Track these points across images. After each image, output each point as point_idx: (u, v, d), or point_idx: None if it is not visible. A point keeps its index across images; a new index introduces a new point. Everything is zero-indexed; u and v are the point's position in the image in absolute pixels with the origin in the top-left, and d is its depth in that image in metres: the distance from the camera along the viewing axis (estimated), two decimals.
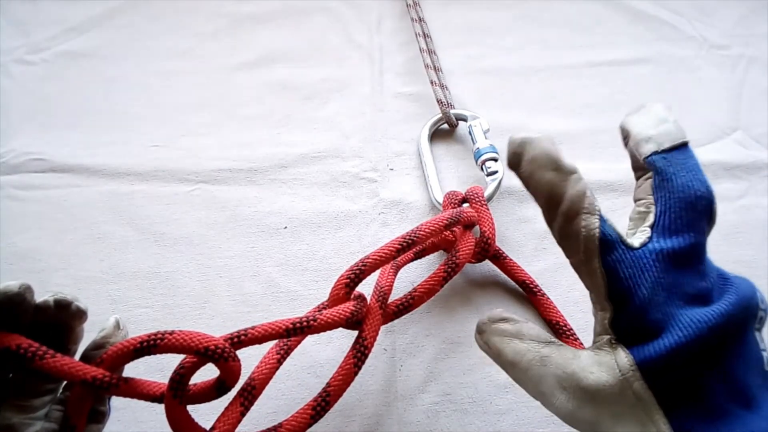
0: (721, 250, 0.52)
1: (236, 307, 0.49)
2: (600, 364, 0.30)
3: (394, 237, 0.41)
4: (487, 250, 0.47)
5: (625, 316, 0.30)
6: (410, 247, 0.41)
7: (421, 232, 0.41)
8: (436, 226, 0.42)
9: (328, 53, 0.65)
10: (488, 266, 0.51)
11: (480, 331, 0.34)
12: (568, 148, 0.58)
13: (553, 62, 0.65)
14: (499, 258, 0.49)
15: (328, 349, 0.47)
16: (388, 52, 0.65)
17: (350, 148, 0.58)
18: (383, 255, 0.40)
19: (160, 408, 0.44)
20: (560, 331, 0.46)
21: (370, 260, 0.40)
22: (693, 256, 0.33)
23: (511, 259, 0.49)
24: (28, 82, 0.61)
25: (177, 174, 0.55)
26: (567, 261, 0.51)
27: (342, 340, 0.47)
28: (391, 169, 0.57)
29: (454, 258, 0.44)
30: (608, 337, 0.31)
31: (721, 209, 0.54)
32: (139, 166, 0.56)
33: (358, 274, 0.39)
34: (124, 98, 0.61)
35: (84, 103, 0.60)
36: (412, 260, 0.46)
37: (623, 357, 0.29)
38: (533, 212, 0.54)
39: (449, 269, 0.43)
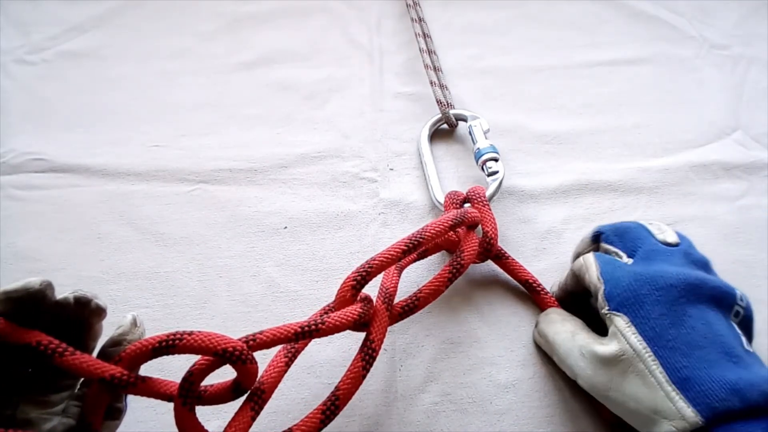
0: (721, 250, 0.52)
1: (236, 307, 0.49)
2: (609, 336, 0.38)
3: (394, 237, 0.41)
4: (489, 249, 0.47)
5: (612, 287, 0.39)
6: (416, 248, 0.41)
7: (427, 233, 0.41)
8: (441, 227, 0.42)
9: (328, 53, 0.65)
10: (488, 266, 0.51)
11: (536, 324, 0.46)
12: (568, 148, 0.58)
13: (553, 62, 0.65)
14: (501, 258, 0.49)
15: (328, 350, 0.47)
16: (388, 52, 0.65)
17: (350, 148, 0.58)
18: (389, 256, 0.40)
19: (160, 408, 0.44)
20: None
21: (376, 262, 0.39)
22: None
23: (513, 259, 0.49)
24: (28, 82, 0.61)
25: (177, 174, 0.55)
26: (566, 261, 0.51)
27: (342, 340, 0.47)
28: (391, 169, 0.57)
29: (459, 259, 0.43)
30: (605, 309, 0.39)
31: (721, 209, 0.55)
32: (139, 166, 0.56)
33: (364, 276, 0.39)
34: (124, 98, 0.61)
35: (84, 103, 0.60)
36: (415, 260, 0.46)
37: (619, 320, 0.38)
38: (533, 212, 0.54)
39: (454, 270, 0.43)
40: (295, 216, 0.53)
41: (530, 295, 0.48)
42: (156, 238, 0.52)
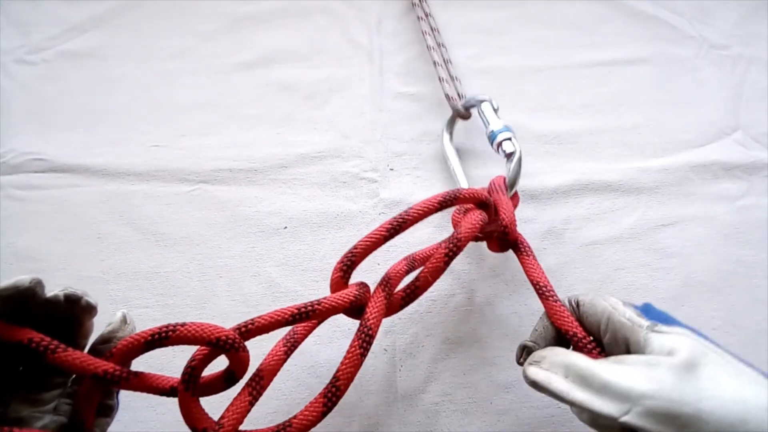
0: (721, 250, 0.52)
1: (236, 307, 0.49)
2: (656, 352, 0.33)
3: None
4: (507, 234, 0.44)
5: None
6: (401, 229, 0.39)
7: (413, 211, 0.40)
8: (428, 204, 0.40)
9: (328, 53, 0.65)
10: (489, 266, 0.51)
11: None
12: (568, 148, 0.58)
13: (553, 62, 0.65)
14: (521, 252, 0.45)
15: (328, 349, 0.47)
16: (388, 52, 0.65)
17: (350, 148, 0.58)
18: (373, 238, 0.39)
19: (159, 408, 0.44)
20: (575, 340, 0.40)
21: (360, 244, 0.39)
22: None
23: (533, 258, 0.44)
24: (28, 82, 0.61)
25: (177, 174, 0.55)
26: (567, 261, 0.51)
27: (342, 340, 0.47)
28: (391, 169, 0.57)
29: (456, 234, 0.41)
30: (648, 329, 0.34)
31: (721, 209, 0.55)
32: (139, 166, 0.56)
33: (351, 258, 0.39)
34: (124, 98, 0.61)
35: (84, 103, 0.60)
36: None
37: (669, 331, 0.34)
38: (533, 212, 0.54)
39: (452, 246, 0.40)
40: (295, 216, 0.53)
41: (539, 299, 0.43)
42: (156, 238, 0.52)
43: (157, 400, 0.44)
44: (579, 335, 0.39)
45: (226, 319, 0.48)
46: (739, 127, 0.60)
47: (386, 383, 0.45)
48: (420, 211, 0.40)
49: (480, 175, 0.56)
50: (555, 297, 0.41)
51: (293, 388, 0.45)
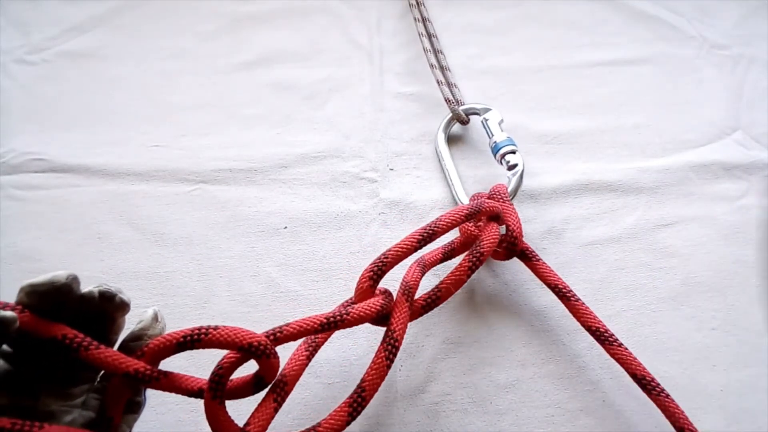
0: (721, 250, 0.52)
1: (236, 307, 0.49)
2: None
3: (394, 237, 0.41)
4: (514, 245, 0.45)
5: None
6: (431, 239, 0.41)
7: (442, 223, 0.41)
8: (456, 216, 0.42)
9: (328, 53, 0.65)
10: (489, 267, 0.51)
11: None
12: (568, 148, 0.58)
13: (553, 62, 0.64)
14: (530, 258, 0.46)
15: (327, 350, 0.46)
16: (388, 52, 0.65)
17: (350, 148, 0.58)
18: (404, 247, 0.40)
19: (160, 408, 0.44)
20: (602, 338, 0.42)
21: (391, 252, 0.40)
22: None
23: (543, 262, 0.46)
24: (28, 82, 0.61)
25: (177, 174, 0.55)
26: (567, 261, 0.51)
27: (342, 340, 0.47)
28: (391, 169, 0.57)
29: (478, 248, 0.43)
30: None
31: (721, 209, 0.55)
32: (139, 166, 0.56)
33: (380, 267, 0.39)
34: (124, 98, 0.61)
35: (84, 103, 0.60)
36: (441, 261, 0.44)
37: None
38: (533, 212, 0.54)
39: (474, 259, 0.42)
40: (295, 216, 0.53)
41: (561, 302, 0.45)
42: (156, 238, 0.52)
43: (157, 400, 0.44)
44: (601, 329, 0.42)
45: (226, 319, 0.48)
46: (739, 127, 0.60)
47: (386, 383, 0.45)
48: (448, 223, 0.41)
49: (475, 175, 0.56)
50: (576, 297, 0.43)
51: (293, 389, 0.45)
